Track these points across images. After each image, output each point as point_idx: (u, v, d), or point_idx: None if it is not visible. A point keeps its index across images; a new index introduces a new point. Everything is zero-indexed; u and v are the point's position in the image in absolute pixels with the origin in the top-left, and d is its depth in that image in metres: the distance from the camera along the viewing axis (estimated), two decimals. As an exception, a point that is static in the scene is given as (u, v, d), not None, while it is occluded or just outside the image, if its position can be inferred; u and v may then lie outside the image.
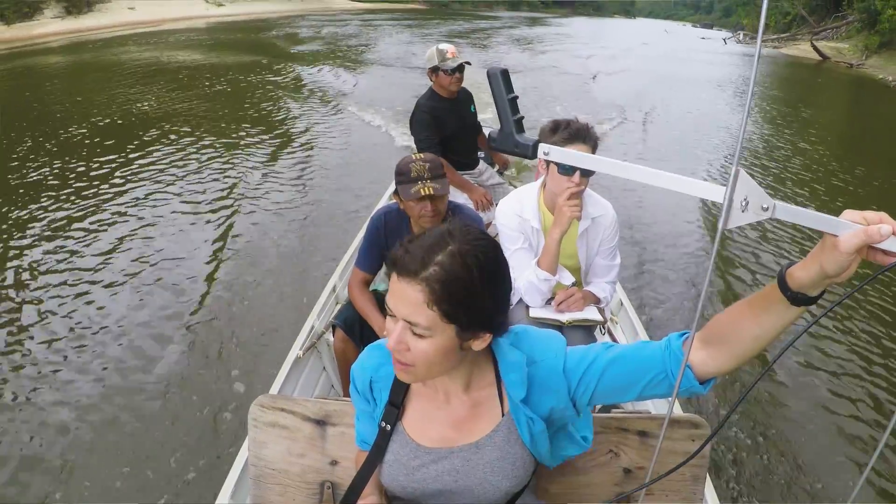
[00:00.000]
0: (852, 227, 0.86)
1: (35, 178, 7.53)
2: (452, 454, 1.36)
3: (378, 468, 1.42)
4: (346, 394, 2.87)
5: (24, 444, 3.31)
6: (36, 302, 4.74)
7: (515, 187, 4.00)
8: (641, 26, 41.55)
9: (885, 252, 0.86)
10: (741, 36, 36.38)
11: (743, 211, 0.82)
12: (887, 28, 21.25)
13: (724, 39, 34.46)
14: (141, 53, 19.55)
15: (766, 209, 0.81)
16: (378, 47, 23.09)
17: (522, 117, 1.03)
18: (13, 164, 8.01)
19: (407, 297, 1.15)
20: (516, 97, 1.04)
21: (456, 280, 1.14)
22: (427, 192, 2.48)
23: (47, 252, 5.60)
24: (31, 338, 4.27)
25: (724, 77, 18.51)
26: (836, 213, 0.87)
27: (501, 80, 1.03)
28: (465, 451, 1.35)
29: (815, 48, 25.66)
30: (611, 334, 2.93)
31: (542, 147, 0.98)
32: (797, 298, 0.99)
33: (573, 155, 0.96)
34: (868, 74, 19.67)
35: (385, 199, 4.59)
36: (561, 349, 1.34)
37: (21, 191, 7.10)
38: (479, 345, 1.25)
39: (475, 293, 1.16)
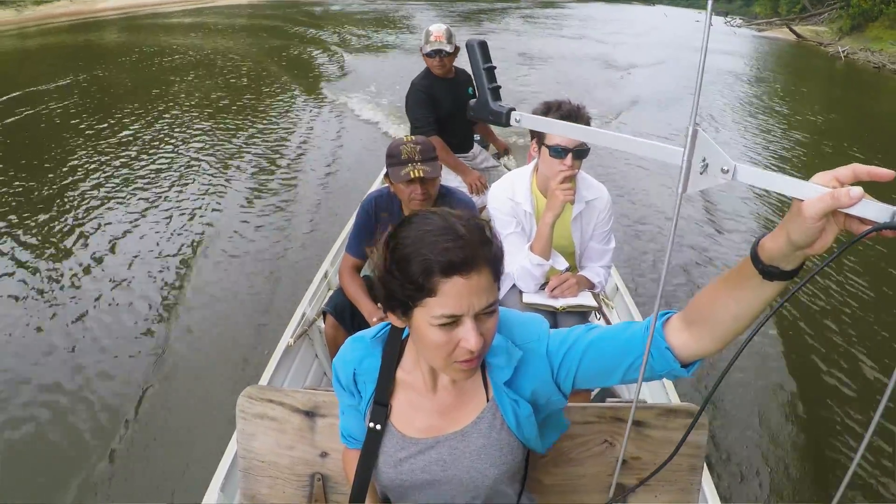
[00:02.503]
0: (820, 191, 0.77)
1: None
2: (439, 444, 1.33)
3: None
4: (337, 382, 2.85)
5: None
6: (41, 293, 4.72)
7: (510, 170, 3.96)
8: (652, 12, 42.03)
9: (861, 220, 0.76)
10: (737, 21, 38.76)
11: (702, 173, 0.78)
12: (857, 12, 24.15)
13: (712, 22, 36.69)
14: (179, 30, 20.90)
15: (727, 171, 0.77)
16: (399, 28, 23.34)
17: (499, 86, 1.05)
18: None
19: (482, 286, 1.13)
20: (493, 67, 1.06)
21: (494, 239, 1.18)
22: (417, 175, 2.44)
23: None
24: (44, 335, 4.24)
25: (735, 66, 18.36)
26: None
27: (479, 51, 1.05)
28: (451, 439, 1.33)
29: (792, 30, 28.19)
30: (606, 319, 2.89)
31: (514, 114, 1.00)
32: (769, 272, 0.91)
33: (542, 121, 0.99)
34: (826, 51, 23.08)
35: (378, 184, 4.54)
36: (543, 332, 1.31)
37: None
38: None
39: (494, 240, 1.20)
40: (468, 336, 1.13)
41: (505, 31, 22.41)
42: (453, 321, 1.13)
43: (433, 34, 3.96)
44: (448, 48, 3.96)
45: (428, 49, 3.96)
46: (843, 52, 21.54)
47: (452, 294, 1.11)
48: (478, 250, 1.11)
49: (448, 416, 1.34)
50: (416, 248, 1.11)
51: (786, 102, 13.74)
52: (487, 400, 1.32)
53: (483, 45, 1.05)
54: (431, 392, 1.34)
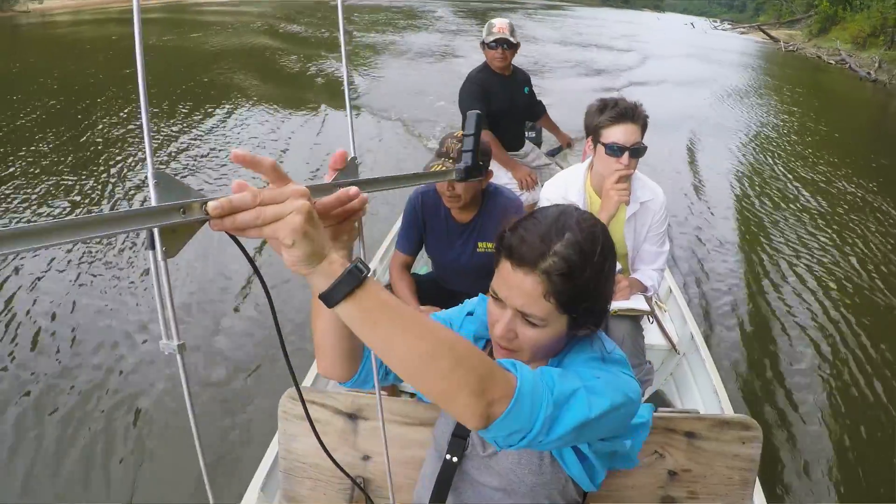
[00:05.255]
0: None
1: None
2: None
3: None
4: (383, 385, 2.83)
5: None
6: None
7: (562, 168, 3.90)
8: (654, 17, 42.87)
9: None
10: (725, 24, 43.72)
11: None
12: (822, 17, 28.23)
13: (692, 24, 41.23)
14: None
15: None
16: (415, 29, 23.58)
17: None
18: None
19: (523, 289, 1.11)
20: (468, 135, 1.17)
21: (576, 271, 1.10)
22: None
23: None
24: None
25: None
26: None
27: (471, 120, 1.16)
28: None
29: (765, 32, 33.03)
30: (659, 323, 2.82)
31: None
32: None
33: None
34: (779, 47, 27.84)
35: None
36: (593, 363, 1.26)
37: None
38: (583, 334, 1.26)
39: (593, 285, 1.14)
40: (499, 322, 1.16)
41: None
42: (499, 299, 1.17)
43: (496, 26, 3.95)
44: (512, 39, 3.94)
45: (490, 40, 3.94)
46: (786, 46, 27.40)
47: (502, 274, 1.15)
48: (542, 260, 1.09)
49: None
50: (525, 221, 1.16)
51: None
52: None
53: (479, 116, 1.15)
54: None
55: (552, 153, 4.84)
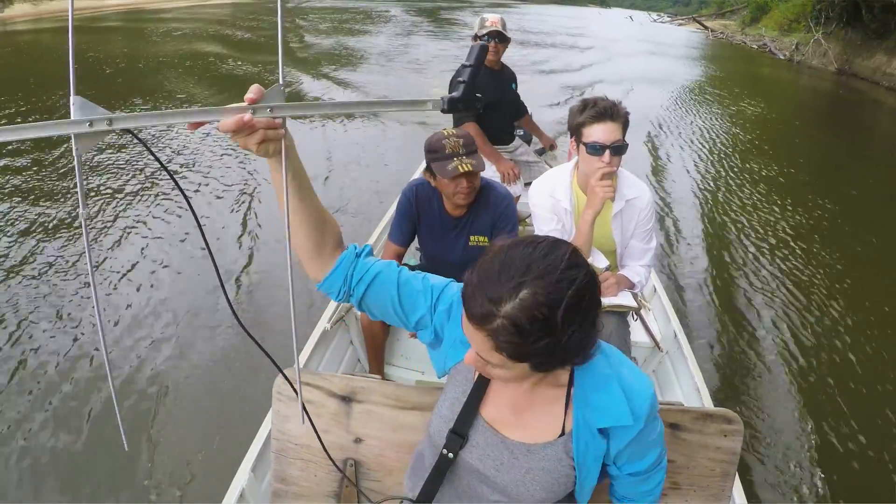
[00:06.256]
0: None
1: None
2: (504, 444, 1.32)
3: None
4: (373, 370, 2.86)
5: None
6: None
7: (551, 166, 3.94)
8: (593, 14, 44.70)
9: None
10: (664, 17, 47.26)
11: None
12: (754, 7, 31.87)
13: (631, 17, 44.44)
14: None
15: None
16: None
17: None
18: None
19: (475, 338, 1.10)
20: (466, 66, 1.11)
21: (526, 337, 1.03)
22: (465, 169, 2.45)
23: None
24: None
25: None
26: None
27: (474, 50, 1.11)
28: (517, 447, 1.31)
29: (699, 22, 36.99)
30: (643, 322, 2.86)
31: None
32: None
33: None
34: (714, 36, 32.30)
35: (418, 174, 4.54)
36: (644, 411, 1.27)
37: None
38: (558, 373, 1.27)
39: (551, 348, 1.05)
40: (469, 352, 1.17)
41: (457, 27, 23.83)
42: None
43: (489, 20, 3.98)
44: (505, 33, 3.99)
45: (483, 33, 3.96)
46: (715, 35, 31.57)
47: (464, 317, 1.12)
48: (488, 321, 1.05)
49: (519, 416, 1.33)
50: (485, 264, 1.09)
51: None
52: (563, 432, 1.30)
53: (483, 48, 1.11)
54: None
55: (540, 152, 4.88)
